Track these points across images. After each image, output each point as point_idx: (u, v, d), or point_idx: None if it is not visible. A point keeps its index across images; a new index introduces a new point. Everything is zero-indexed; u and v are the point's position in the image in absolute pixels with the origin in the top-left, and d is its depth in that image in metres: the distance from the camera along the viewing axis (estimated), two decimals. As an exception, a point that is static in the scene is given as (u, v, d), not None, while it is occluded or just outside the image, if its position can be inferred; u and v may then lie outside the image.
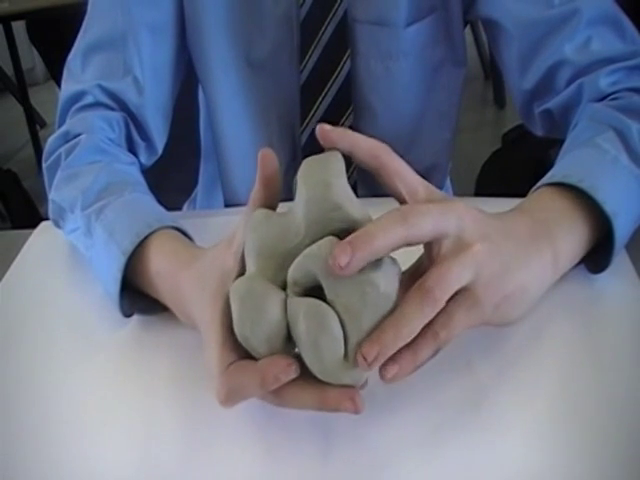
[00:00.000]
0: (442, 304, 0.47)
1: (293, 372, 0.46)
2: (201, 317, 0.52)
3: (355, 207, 0.47)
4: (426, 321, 0.47)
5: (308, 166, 0.48)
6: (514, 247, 0.53)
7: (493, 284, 0.50)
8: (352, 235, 0.45)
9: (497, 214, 0.55)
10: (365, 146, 0.50)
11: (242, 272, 0.50)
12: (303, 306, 0.46)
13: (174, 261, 0.59)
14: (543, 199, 0.60)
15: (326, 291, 0.46)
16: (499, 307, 0.52)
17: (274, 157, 0.50)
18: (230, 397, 0.48)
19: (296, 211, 0.48)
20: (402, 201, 0.52)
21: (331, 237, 0.46)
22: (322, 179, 0.47)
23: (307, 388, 0.47)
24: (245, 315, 0.47)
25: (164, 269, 0.60)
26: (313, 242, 0.47)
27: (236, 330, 0.48)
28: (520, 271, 0.53)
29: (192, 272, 0.56)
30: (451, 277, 0.48)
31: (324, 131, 0.49)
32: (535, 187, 0.62)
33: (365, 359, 0.45)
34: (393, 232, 0.46)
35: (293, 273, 0.47)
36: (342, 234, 0.46)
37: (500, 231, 0.52)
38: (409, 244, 0.47)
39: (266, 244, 0.48)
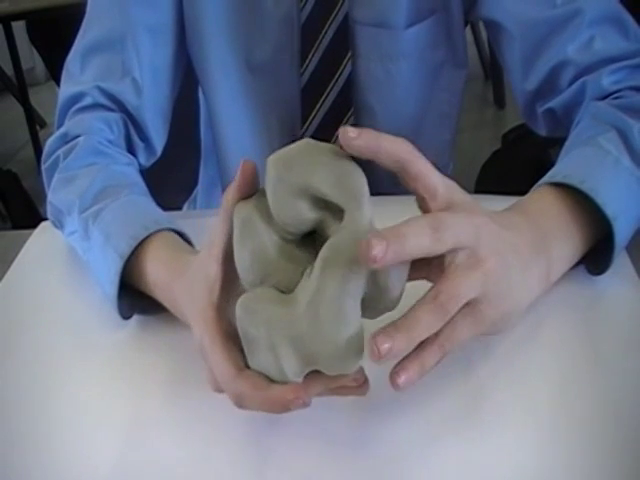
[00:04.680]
0: (451, 317, 0.48)
1: (302, 405, 0.46)
2: (194, 331, 0.52)
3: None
4: (434, 331, 0.48)
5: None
6: (518, 264, 0.53)
7: (497, 301, 0.51)
8: (384, 230, 0.45)
9: (502, 218, 0.54)
10: (388, 150, 0.48)
11: (227, 274, 0.51)
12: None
13: (168, 270, 0.59)
14: (544, 202, 0.60)
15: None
16: (495, 323, 0.52)
17: (254, 170, 0.50)
18: (241, 404, 0.49)
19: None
20: (422, 202, 0.51)
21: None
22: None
23: (258, 389, 0.47)
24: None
25: (160, 280, 0.60)
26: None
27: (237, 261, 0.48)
28: (520, 289, 0.53)
29: (183, 282, 0.56)
30: (462, 293, 0.48)
31: (348, 139, 0.46)
32: (537, 185, 0.62)
33: (378, 349, 0.45)
34: (422, 241, 0.46)
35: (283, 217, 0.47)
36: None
37: (509, 246, 0.52)
38: (428, 255, 0.47)
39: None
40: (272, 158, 0.48)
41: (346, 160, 0.47)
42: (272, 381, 0.47)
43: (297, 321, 0.45)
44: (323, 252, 0.46)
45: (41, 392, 0.59)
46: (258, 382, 0.47)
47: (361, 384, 0.48)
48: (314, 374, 0.47)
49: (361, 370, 0.48)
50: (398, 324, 0.46)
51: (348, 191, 0.46)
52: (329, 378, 0.47)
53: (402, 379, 0.47)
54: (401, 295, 0.47)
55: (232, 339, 0.49)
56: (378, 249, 0.43)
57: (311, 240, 0.49)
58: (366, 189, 0.46)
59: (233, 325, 0.50)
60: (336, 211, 0.47)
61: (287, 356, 0.45)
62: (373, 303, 0.47)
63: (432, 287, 0.48)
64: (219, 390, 0.51)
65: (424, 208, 0.51)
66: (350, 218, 0.46)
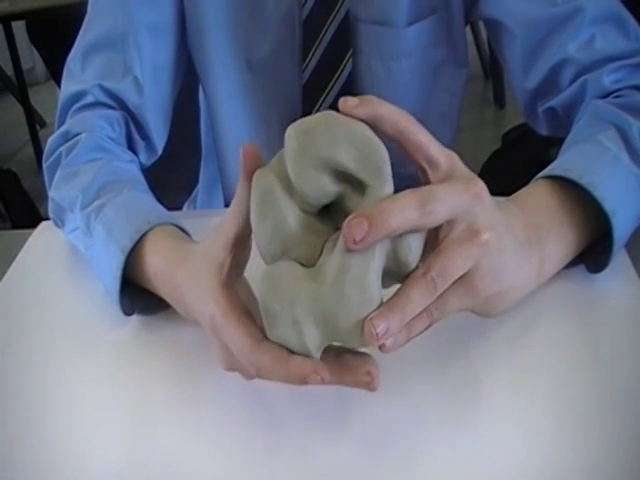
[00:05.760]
0: (442, 291, 0.48)
1: (319, 381, 0.46)
2: (202, 313, 0.52)
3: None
4: (426, 305, 0.48)
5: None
6: (512, 246, 0.53)
7: (490, 277, 0.51)
8: (368, 210, 0.45)
9: (499, 205, 0.54)
10: (388, 118, 0.48)
11: (234, 262, 0.51)
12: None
13: (169, 260, 0.59)
14: (541, 195, 0.60)
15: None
16: (490, 300, 0.52)
17: (257, 152, 0.50)
18: (261, 374, 0.49)
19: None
20: (422, 173, 0.51)
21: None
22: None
23: (279, 360, 0.47)
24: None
25: (161, 269, 0.60)
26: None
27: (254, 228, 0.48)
28: (514, 271, 0.53)
29: (186, 271, 0.56)
30: (454, 269, 0.48)
31: (348, 107, 0.47)
32: (535, 178, 0.62)
33: (375, 331, 0.45)
34: (409, 216, 0.46)
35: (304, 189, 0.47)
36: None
37: (505, 226, 0.52)
38: (420, 229, 0.48)
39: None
40: (294, 128, 0.47)
41: (369, 134, 0.47)
42: (291, 352, 0.47)
43: (322, 298, 0.45)
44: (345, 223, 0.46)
45: (42, 391, 0.59)
46: (278, 353, 0.47)
47: (374, 379, 0.47)
48: (332, 366, 0.47)
49: (375, 364, 0.48)
50: (392, 304, 0.46)
51: (372, 167, 0.46)
52: (345, 372, 0.47)
53: (389, 342, 0.47)
54: (417, 267, 0.48)
55: (245, 314, 0.49)
56: (357, 230, 0.44)
57: (329, 210, 0.49)
58: (389, 164, 0.47)
59: (243, 302, 0.50)
60: (356, 184, 0.47)
61: (310, 331, 0.46)
62: (391, 275, 0.48)
63: (423, 261, 0.48)
64: (231, 368, 0.51)
65: (425, 179, 0.50)
66: (373, 194, 0.46)
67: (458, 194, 0.48)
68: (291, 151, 0.47)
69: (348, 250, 0.45)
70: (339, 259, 0.45)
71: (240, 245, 0.51)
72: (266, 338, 0.48)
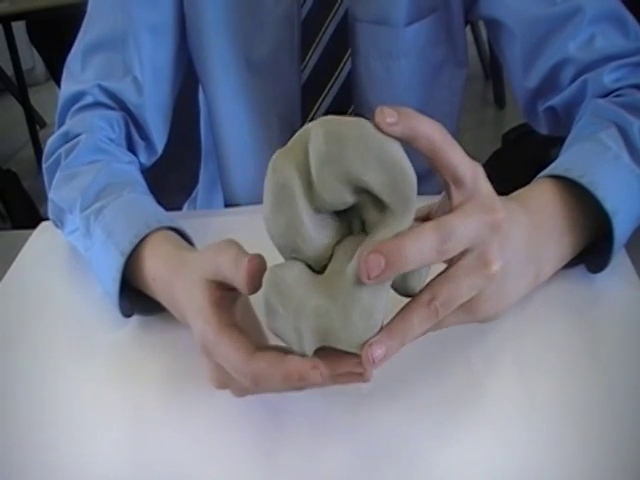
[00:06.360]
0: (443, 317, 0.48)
1: (318, 377, 0.46)
2: (194, 330, 0.51)
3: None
4: (426, 330, 0.48)
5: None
6: (514, 271, 0.53)
7: (491, 302, 0.51)
8: (386, 245, 0.44)
9: (512, 213, 0.53)
10: (424, 135, 0.46)
11: (230, 287, 0.50)
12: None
13: (167, 265, 0.59)
14: (545, 195, 0.59)
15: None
16: (486, 317, 0.53)
17: (263, 262, 0.49)
18: (258, 386, 0.48)
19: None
20: (447, 187, 0.49)
21: None
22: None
23: (275, 364, 0.47)
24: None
25: (160, 276, 0.60)
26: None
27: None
28: (511, 293, 0.54)
29: (182, 282, 0.55)
30: (459, 298, 0.48)
31: (385, 124, 0.44)
32: (537, 177, 0.62)
33: (372, 357, 0.45)
34: (428, 255, 0.45)
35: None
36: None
37: (513, 253, 0.52)
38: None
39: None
40: (324, 127, 0.45)
41: (402, 159, 0.45)
42: (285, 352, 0.47)
43: (327, 318, 0.45)
44: (362, 249, 0.45)
45: (41, 392, 0.59)
46: (273, 357, 0.47)
47: (366, 369, 0.47)
48: (324, 358, 0.47)
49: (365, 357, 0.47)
50: (392, 329, 0.46)
51: (400, 195, 0.45)
52: (338, 362, 0.47)
53: (377, 353, 0.46)
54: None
55: (237, 331, 0.49)
56: (373, 267, 0.43)
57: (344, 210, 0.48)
58: (416, 192, 0.45)
59: (235, 320, 0.50)
60: (378, 200, 0.46)
61: (309, 341, 0.46)
62: (395, 290, 0.48)
63: (429, 286, 0.48)
64: (223, 386, 0.51)
65: (447, 193, 0.49)
66: (394, 219, 0.45)
67: (477, 227, 0.47)
68: (318, 154, 0.45)
69: (360, 281, 0.44)
70: (350, 287, 0.45)
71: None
72: (259, 349, 0.48)
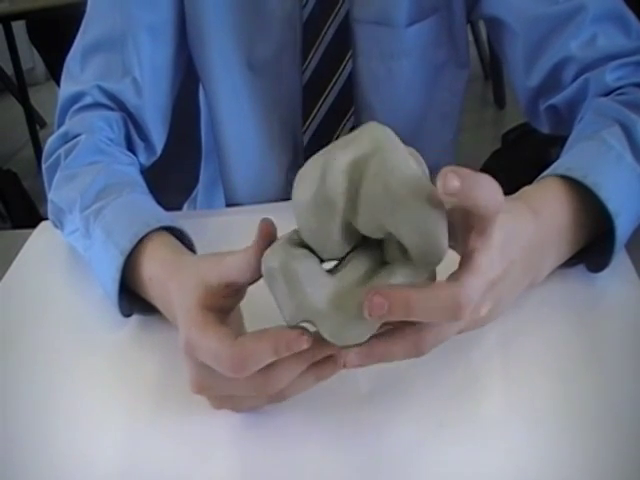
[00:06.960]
0: None
1: (305, 342, 0.46)
2: (182, 328, 0.51)
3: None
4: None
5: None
6: (513, 290, 0.55)
7: (486, 320, 0.53)
8: (395, 294, 0.44)
9: (516, 222, 0.53)
10: (479, 204, 0.44)
11: (223, 300, 0.51)
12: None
13: (165, 268, 0.59)
14: (547, 199, 0.59)
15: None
16: (482, 325, 0.54)
17: (273, 229, 0.49)
18: (246, 365, 0.47)
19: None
20: (467, 230, 0.48)
21: None
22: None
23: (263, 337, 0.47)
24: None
25: (156, 276, 0.60)
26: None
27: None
28: (510, 298, 0.55)
29: (177, 284, 0.55)
30: (445, 339, 0.49)
31: (449, 188, 0.42)
32: (540, 177, 0.62)
33: (346, 365, 0.47)
34: (433, 317, 0.46)
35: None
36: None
37: (513, 283, 0.53)
38: None
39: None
40: (384, 176, 0.45)
41: (441, 232, 0.44)
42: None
43: (326, 324, 0.46)
44: (375, 284, 0.46)
45: (41, 392, 0.59)
46: (258, 332, 0.47)
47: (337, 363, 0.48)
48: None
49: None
50: (372, 350, 0.47)
51: (427, 260, 0.45)
52: (318, 347, 0.47)
53: (353, 362, 0.47)
54: None
55: (223, 327, 0.49)
56: (376, 309, 0.44)
57: None
58: (442, 261, 0.45)
59: (223, 323, 0.50)
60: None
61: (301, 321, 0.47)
62: None
63: (418, 327, 0.47)
64: (201, 390, 0.50)
65: (465, 232, 0.48)
66: (414, 269, 0.46)
67: (485, 288, 0.47)
68: (369, 196, 0.45)
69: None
70: (355, 311, 0.46)
71: (234, 288, 0.51)
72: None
